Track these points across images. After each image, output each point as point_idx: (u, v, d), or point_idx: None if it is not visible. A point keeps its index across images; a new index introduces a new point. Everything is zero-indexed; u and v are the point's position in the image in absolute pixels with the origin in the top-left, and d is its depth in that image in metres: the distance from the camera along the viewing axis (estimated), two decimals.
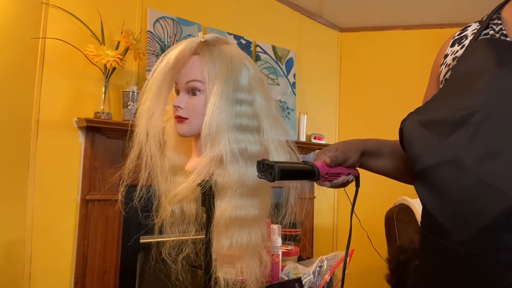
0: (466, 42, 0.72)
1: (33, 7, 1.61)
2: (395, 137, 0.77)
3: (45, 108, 1.63)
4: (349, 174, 0.79)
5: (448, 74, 0.73)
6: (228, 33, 2.27)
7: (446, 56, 0.77)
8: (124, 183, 0.87)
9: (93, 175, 1.71)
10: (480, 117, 0.57)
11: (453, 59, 0.73)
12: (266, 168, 0.67)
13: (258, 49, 2.44)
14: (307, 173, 0.72)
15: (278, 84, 2.52)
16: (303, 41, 2.77)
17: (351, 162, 0.78)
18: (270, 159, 0.84)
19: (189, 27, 2.08)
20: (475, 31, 0.73)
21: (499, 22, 0.68)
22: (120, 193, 0.88)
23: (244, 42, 2.35)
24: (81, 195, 1.70)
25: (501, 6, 0.72)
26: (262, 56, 2.45)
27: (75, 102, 1.71)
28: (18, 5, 1.51)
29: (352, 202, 0.82)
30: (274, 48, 2.53)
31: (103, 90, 1.69)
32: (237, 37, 2.32)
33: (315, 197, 2.75)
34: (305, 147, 2.57)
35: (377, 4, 2.64)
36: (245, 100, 0.83)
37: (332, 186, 0.78)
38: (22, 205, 1.56)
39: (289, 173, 0.70)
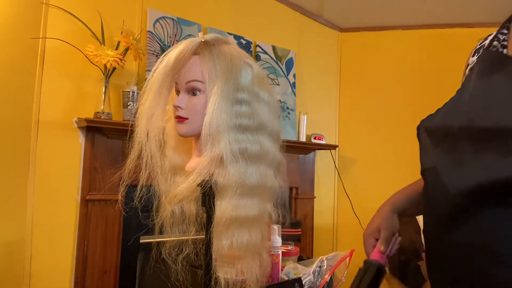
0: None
1: (33, 7, 1.61)
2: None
3: (45, 108, 1.63)
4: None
5: None
6: (228, 33, 2.27)
7: (467, 66, 0.80)
8: (124, 183, 0.86)
9: (93, 175, 1.71)
10: (457, 129, 0.62)
11: (469, 70, 0.77)
12: None
13: (258, 49, 2.44)
14: (379, 277, 0.75)
15: (278, 84, 2.52)
16: (303, 41, 2.77)
17: (398, 229, 0.83)
18: (269, 161, 0.84)
19: (189, 27, 2.08)
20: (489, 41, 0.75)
21: (506, 32, 0.71)
22: (120, 193, 0.88)
23: (244, 42, 2.35)
24: (81, 195, 1.70)
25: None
26: (262, 56, 2.45)
27: (75, 102, 1.71)
28: (18, 5, 1.51)
29: None
30: (274, 48, 2.53)
31: (103, 90, 1.69)
32: (237, 37, 2.32)
33: (315, 197, 2.74)
34: (305, 147, 2.57)
35: (377, 4, 2.64)
36: (245, 100, 0.82)
37: None
38: (22, 205, 1.56)
39: None
